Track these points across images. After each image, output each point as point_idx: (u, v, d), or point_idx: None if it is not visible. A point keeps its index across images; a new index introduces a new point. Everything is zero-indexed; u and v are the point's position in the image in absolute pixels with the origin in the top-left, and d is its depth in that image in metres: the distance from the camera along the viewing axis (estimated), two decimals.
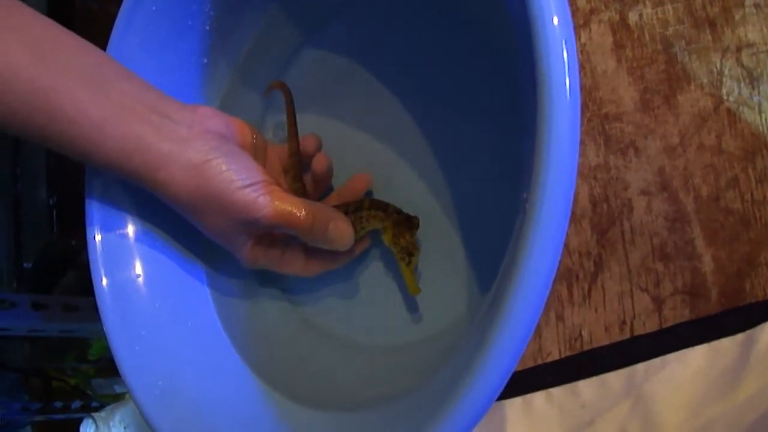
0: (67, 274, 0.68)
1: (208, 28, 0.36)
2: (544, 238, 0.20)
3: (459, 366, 0.23)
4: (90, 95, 0.28)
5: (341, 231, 0.31)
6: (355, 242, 0.33)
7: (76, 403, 0.79)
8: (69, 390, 0.80)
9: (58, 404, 0.77)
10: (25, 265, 0.65)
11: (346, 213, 0.32)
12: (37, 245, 0.65)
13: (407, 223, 0.32)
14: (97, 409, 0.52)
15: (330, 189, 0.38)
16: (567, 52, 0.20)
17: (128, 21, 0.34)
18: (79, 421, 0.51)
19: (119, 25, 0.34)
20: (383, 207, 0.33)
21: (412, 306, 0.34)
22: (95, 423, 0.51)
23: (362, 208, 0.33)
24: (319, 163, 0.35)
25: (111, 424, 0.51)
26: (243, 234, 0.31)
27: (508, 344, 0.20)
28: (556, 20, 0.20)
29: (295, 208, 0.30)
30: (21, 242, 0.65)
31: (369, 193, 0.36)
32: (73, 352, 0.80)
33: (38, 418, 0.78)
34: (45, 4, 0.70)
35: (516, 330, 0.20)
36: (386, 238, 0.32)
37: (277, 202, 0.30)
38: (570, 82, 0.20)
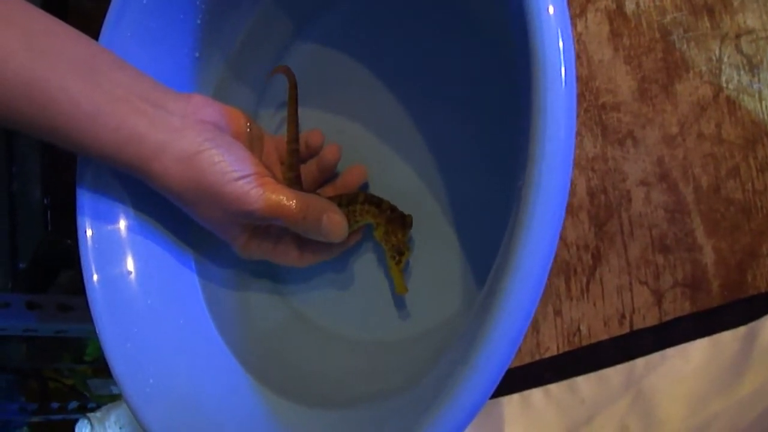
0: (62, 273, 0.68)
1: (199, 21, 0.36)
2: (541, 221, 0.19)
3: (453, 362, 0.22)
4: (82, 86, 0.27)
5: (335, 223, 0.30)
6: (348, 234, 0.32)
7: (73, 404, 0.79)
8: (66, 391, 0.80)
9: (55, 405, 0.77)
10: (20, 265, 0.64)
11: (339, 205, 0.32)
12: (32, 245, 0.64)
13: (400, 221, 0.32)
14: (94, 410, 0.52)
15: (328, 179, 0.37)
16: (563, 40, 0.20)
17: (119, 14, 0.34)
18: (76, 421, 0.51)
19: (110, 18, 0.34)
20: (377, 203, 0.32)
21: (405, 302, 0.33)
22: (90, 423, 0.51)
23: (356, 201, 0.32)
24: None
25: (107, 424, 0.51)
26: (237, 225, 0.31)
27: (504, 335, 0.20)
28: (551, 9, 0.20)
29: (288, 200, 0.29)
30: (16, 242, 0.64)
31: (364, 187, 0.35)
32: (70, 353, 0.80)
33: (35, 418, 0.78)
34: (39, 3, 0.70)
35: (513, 318, 0.20)
36: (377, 235, 0.32)
37: (269, 195, 0.29)
38: (566, 71, 0.20)
